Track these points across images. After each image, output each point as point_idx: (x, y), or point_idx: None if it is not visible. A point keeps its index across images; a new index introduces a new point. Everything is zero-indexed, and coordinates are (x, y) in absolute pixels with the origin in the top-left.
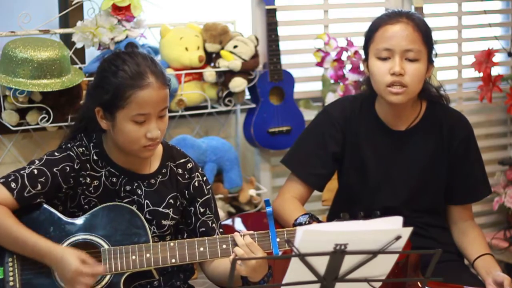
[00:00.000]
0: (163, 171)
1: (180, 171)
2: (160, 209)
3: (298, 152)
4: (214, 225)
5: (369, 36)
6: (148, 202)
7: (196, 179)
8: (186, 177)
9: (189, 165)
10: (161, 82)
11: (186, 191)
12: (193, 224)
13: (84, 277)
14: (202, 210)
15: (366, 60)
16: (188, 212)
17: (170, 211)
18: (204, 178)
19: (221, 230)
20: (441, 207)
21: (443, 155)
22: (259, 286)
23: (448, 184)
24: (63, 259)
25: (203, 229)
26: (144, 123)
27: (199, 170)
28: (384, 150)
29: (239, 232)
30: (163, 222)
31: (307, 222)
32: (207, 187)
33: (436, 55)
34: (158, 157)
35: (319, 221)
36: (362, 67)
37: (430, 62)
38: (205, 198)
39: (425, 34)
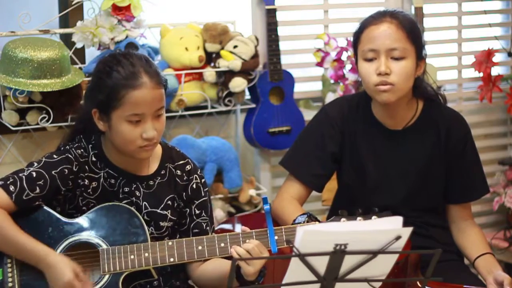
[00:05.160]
0: (162, 172)
1: (178, 172)
2: (158, 210)
3: (297, 153)
4: (208, 228)
5: (356, 38)
6: (146, 203)
7: (194, 181)
8: (185, 179)
9: (188, 167)
10: (156, 82)
11: (184, 193)
12: (187, 225)
13: None
14: (197, 212)
15: (357, 63)
16: (183, 213)
17: (168, 212)
18: (202, 180)
19: (213, 234)
20: (440, 206)
21: (440, 154)
22: (260, 286)
23: (446, 183)
24: (58, 268)
25: (197, 230)
26: (139, 123)
27: (198, 172)
28: (381, 149)
29: (239, 233)
30: (161, 223)
31: (305, 222)
32: (205, 189)
33: (426, 54)
34: (157, 158)
35: (317, 221)
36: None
37: (419, 59)
38: (201, 200)
39: (410, 32)
